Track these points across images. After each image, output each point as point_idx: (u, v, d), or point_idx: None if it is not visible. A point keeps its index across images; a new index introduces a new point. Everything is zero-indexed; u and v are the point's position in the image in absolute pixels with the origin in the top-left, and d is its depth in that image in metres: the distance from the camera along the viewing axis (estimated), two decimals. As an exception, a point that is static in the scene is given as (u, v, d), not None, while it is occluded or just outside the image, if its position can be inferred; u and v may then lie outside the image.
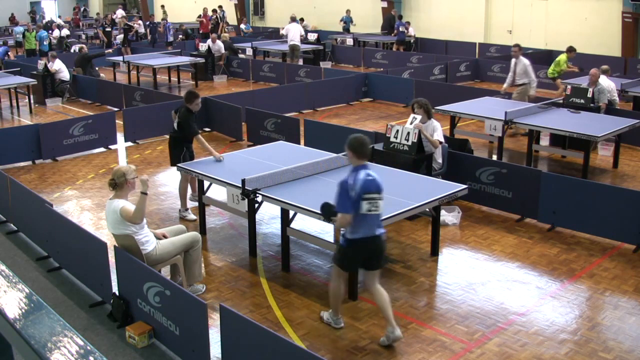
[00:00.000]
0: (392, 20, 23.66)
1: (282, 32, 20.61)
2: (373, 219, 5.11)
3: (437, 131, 8.01)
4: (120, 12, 29.04)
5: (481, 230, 7.70)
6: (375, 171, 7.21)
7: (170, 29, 24.36)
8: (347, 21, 24.79)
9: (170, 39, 23.82)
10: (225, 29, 25.34)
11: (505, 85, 12.52)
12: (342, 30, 24.69)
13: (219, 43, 18.93)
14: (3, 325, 2.07)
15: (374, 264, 5.28)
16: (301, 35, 19.81)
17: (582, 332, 5.44)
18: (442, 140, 8.05)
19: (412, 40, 22.84)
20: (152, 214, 8.13)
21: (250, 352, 4.57)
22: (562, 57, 14.33)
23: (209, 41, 18.93)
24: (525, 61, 12.14)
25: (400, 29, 22.03)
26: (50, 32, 23.67)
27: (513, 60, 12.35)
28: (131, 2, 39.67)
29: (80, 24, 31.58)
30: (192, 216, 8.12)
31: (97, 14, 37.97)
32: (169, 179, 9.66)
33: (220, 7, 25.68)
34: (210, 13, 25.36)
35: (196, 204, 8.07)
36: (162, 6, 28.89)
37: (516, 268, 6.70)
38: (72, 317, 5.77)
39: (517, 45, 12.38)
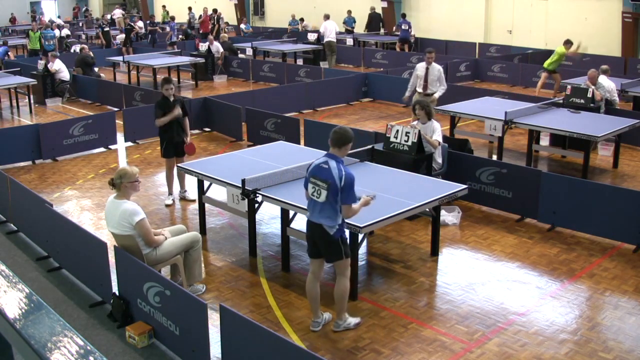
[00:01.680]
0: (377, 19, 23.65)
1: (320, 29, 21.03)
2: (316, 205, 5.19)
3: (437, 131, 8.02)
4: (118, 12, 29.01)
5: (481, 230, 7.70)
6: (375, 171, 7.25)
7: (175, 29, 24.38)
8: (349, 22, 24.68)
9: (174, 39, 23.83)
10: (225, 29, 25.34)
11: (407, 94, 11.27)
12: (345, 31, 24.54)
13: (216, 44, 18.95)
14: (3, 325, 2.08)
15: (323, 253, 5.36)
16: (336, 32, 20.43)
17: (582, 332, 5.44)
18: (441, 140, 8.06)
19: (412, 40, 22.81)
20: (152, 214, 8.13)
21: (250, 352, 4.57)
22: (560, 49, 14.47)
23: (208, 42, 18.99)
24: (439, 67, 11.01)
25: (403, 27, 21.99)
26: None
27: (422, 65, 10.96)
28: (131, 2, 39.66)
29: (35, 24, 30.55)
30: (168, 201, 8.57)
31: (78, 14, 37.83)
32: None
33: (215, 10, 25.69)
34: (210, 13, 25.37)
35: (185, 198, 8.72)
36: (164, 6, 28.79)
37: (516, 268, 6.70)
38: (72, 317, 5.77)
39: (432, 51, 10.96)
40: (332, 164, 5.09)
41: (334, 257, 5.28)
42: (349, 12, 24.79)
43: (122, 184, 5.61)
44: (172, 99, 8.29)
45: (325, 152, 5.32)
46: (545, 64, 14.94)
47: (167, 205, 8.50)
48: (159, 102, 8.30)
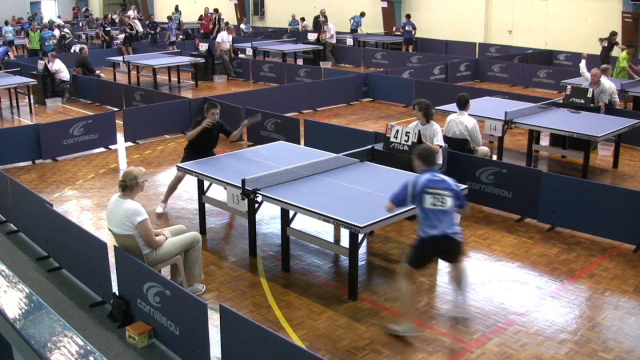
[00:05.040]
0: (317, 20, 23.62)
1: (333, 31, 21.94)
2: (443, 215, 5.22)
3: (438, 135, 8.01)
4: (131, 13, 29.13)
5: (481, 230, 7.70)
6: (375, 171, 7.26)
7: (173, 29, 24.36)
8: (358, 21, 24.58)
9: (173, 38, 23.84)
10: (226, 30, 25.32)
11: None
12: (350, 30, 24.48)
13: (223, 35, 18.82)
14: (3, 325, 2.08)
15: (450, 258, 5.53)
16: (332, 34, 21.65)
17: (582, 332, 5.44)
18: (443, 144, 8.06)
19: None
20: (152, 214, 8.13)
21: (250, 352, 4.57)
22: (622, 55, 14.32)
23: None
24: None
25: (407, 28, 22.02)
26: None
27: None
28: (131, 2, 39.67)
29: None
30: (159, 209, 8.37)
31: (78, 14, 37.76)
32: (168, 179, 9.62)
33: (216, 10, 25.69)
34: (211, 12, 25.39)
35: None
36: (177, 6, 28.45)
37: (516, 268, 6.70)
38: (72, 317, 5.77)
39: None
40: (441, 175, 5.37)
41: (461, 256, 5.57)
42: (362, 14, 24.60)
43: (138, 184, 5.63)
44: (211, 125, 8.02)
45: (426, 170, 5.41)
46: (615, 75, 14.36)
47: (158, 214, 8.25)
48: (198, 120, 8.05)
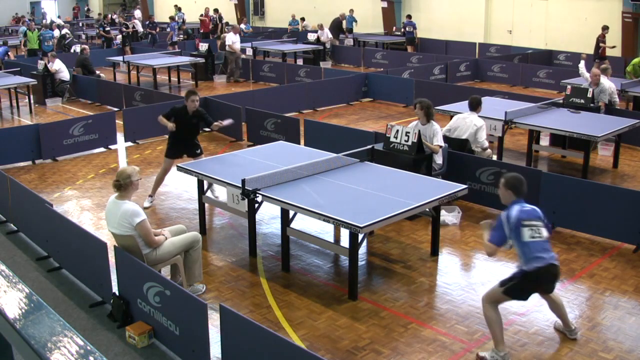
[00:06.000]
0: (340, 23, 23.56)
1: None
2: (545, 244, 5.04)
3: (437, 135, 8.02)
4: (137, 13, 29.16)
5: (481, 230, 7.67)
6: (375, 171, 7.27)
7: (175, 29, 24.37)
8: (350, 21, 24.61)
9: (175, 38, 23.84)
10: (225, 29, 25.35)
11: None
12: (345, 30, 24.47)
13: (230, 36, 18.64)
14: (3, 325, 2.08)
15: (550, 288, 5.22)
16: (329, 38, 21.86)
17: (582, 332, 5.44)
18: (442, 144, 8.06)
19: (416, 42, 22.86)
20: (152, 214, 8.13)
21: (250, 352, 4.57)
22: (635, 60, 14.28)
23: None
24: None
25: (408, 29, 22.04)
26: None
27: None
28: (131, 2, 39.66)
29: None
30: (147, 203, 8.40)
31: (78, 14, 37.74)
32: (168, 180, 9.62)
33: (215, 10, 25.69)
34: (211, 13, 25.39)
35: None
36: (176, 5, 28.42)
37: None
38: (72, 317, 5.77)
39: None
40: (529, 205, 5.17)
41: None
42: (351, 11, 24.64)
43: (132, 183, 5.63)
44: (191, 113, 8.19)
45: (515, 201, 5.20)
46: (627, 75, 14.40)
47: (144, 208, 8.21)
48: (177, 108, 8.20)
